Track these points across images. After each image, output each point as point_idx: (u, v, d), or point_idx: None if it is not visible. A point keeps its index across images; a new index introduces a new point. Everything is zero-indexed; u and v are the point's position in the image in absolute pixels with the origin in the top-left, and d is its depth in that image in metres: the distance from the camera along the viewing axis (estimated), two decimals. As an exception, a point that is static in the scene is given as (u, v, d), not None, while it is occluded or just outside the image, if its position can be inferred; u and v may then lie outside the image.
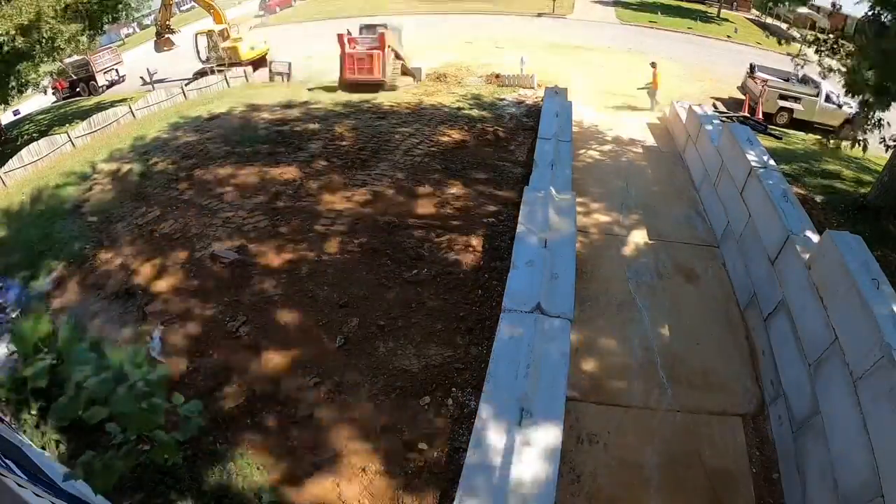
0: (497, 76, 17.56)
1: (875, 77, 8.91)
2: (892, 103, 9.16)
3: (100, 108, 19.17)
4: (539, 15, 30.98)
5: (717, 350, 6.69)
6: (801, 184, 10.83)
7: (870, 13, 8.90)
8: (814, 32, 11.33)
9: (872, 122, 9.50)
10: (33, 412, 5.56)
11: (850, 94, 9.90)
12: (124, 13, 19.79)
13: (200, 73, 23.13)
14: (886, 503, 3.84)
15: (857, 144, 9.85)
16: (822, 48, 10.29)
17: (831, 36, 10.57)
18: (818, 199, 10.33)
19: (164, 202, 10.44)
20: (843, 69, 9.80)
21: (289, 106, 15.59)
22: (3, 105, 17.69)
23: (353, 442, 5.65)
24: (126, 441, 5.04)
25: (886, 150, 10.17)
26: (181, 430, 5.34)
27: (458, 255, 8.20)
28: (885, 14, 8.71)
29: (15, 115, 23.50)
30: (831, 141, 10.65)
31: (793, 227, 6.28)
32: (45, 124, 21.18)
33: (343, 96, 16.21)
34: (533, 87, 16.73)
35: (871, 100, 9.20)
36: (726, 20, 31.15)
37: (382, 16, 32.57)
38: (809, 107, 17.16)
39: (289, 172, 10.92)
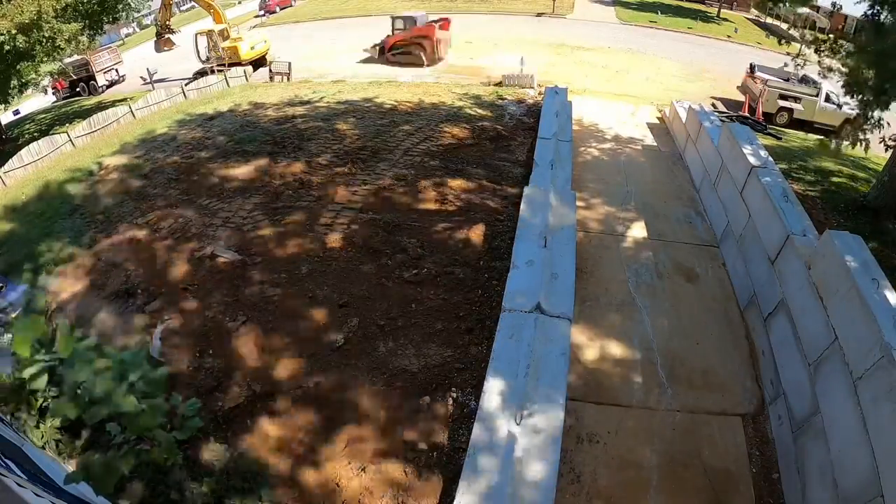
0: (498, 84, 17.57)
1: (874, 77, 8.91)
2: (892, 103, 9.16)
3: (100, 107, 19.19)
4: (539, 15, 31.01)
5: (717, 350, 6.69)
6: (800, 182, 10.83)
7: (869, 13, 8.90)
8: (813, 32, 11.32)
9: (872, 122, 9.50)
10: (33, 412, 5.56)
11: (850, 95, 9.90)
12: (124, 13, 19.83)
13: (200, 73, 23.16)
14: (886, 503, 3.84)
15: (857, 145, 9.84)
16: (822, 48, 10.30)
17: (831, 36, 10.58)
18: (817, 197, 10.34)
19: (165, 201, 10.44)
20: (843, 69, 9.80)
21: (290, 105, 15.60)
22: (3, 105, 17.70)
23: (352, 442, 5.65)
24: (126, 441, 5.06)
25: (886, 150, 10.18)
26: (181, 430, 5.35)
27: (457, 255, 8.21)
28: (885, 14, 8.70)
29: (15, 114, 23.53)
30: (833, 142, 10.62)
31: (793, 226, 6.28)
32: (46, 124, 21.21)
33: (344, 96, 16.22)
34: (533, 87, 16.74)
35: (870, 99, 9.20)
36: (726, 20, 31.19)
37: (380, 14, 32.61)
38: (809, 107, 17.18)
39: (289, 171, 10.93)
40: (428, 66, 21.51)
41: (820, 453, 4.76)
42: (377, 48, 23.00)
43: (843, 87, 9.79)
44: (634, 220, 9.15)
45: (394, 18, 23.27)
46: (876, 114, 9.46)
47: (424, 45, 21.54)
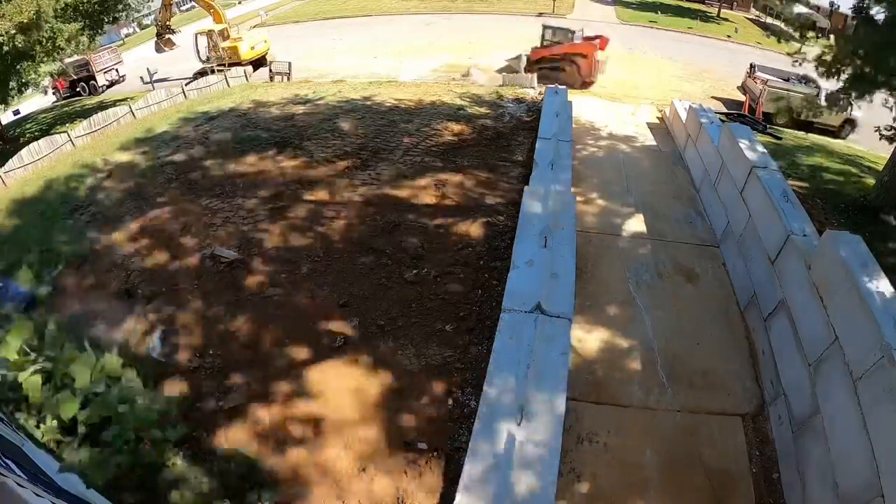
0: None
1: (860, 62, 9.06)
2: (871, 90, 9.31)
3: (101, 107, 19.18)
4: (539, 15, 30.98)
5: (717, 350, 6.69)
6: (800, 182, 10.82)
7: (858, 5, 9.06)
8: (809, 36, 11.37)
9: (841, 102, 9.74)
10: (33, 412, 5.56)
11: (825, 76, 9.99)
12: (124, 13, 19.80)
13: (200, 73, 23.14)
14: (886, 503, 3.84)
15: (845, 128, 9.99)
16: (808, 35, 10.36)
17: (814, 22, 10.78)
18: (817, 197, 10.33)
19: (166, 200, 10.44)
20: (824, 51, 9.88)
21: (291, 104, 15.59)
22: (3, 105, 17.68)
23: (353, 442, 5.65)
24: (126, 441, 5.05)
25: (880, 139, 10.21)
26: (176, 429, 5.35)
27: (457, 255, 8.21)
28: (873, 6, 8.85)
29: (15, 114, 23.51)
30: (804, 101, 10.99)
31: (793, 226, 6.27)
32: (47, 123, 21.19)
33: (345, 95, 16.21)
34: (533, 87, 16.73)
35: (848, 85, 9.38)
36: (726, 20, 31.16)
37: (380, 14, 32.63)
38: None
39: (289, 171, 10.93)
40: (580, 87, 18.44)
41: (820, 453, 4.76)
42: (519, 59, 19.95)
43: (816, 68, 9.87)
44: (634, 220, 9.14)
45: (545, 28, 20.43)
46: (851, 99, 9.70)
47: (580, 65, 18.76)
